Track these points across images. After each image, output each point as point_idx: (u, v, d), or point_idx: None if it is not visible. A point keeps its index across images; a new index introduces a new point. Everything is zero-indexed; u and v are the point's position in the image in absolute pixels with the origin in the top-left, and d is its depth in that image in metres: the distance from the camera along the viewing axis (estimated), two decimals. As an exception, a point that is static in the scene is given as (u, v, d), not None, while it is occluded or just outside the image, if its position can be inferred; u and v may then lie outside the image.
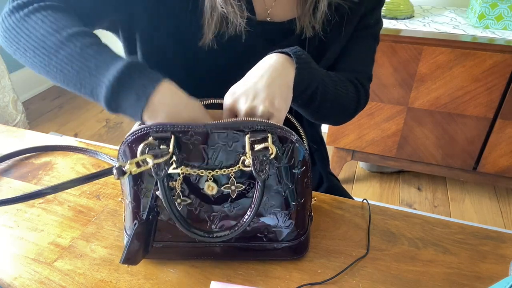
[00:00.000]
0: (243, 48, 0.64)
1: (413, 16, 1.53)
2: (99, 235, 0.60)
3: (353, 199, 0.72)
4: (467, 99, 1.45)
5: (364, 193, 1.79)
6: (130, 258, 0.49)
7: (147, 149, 0.45)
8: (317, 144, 0.83)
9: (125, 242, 0.58)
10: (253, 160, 0.46)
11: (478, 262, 0.56)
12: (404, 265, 0.56)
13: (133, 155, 0.48)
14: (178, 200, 0.50)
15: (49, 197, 0.68)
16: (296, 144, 0.48)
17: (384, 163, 1.74)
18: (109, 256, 0.57)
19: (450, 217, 1.66)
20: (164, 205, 0.47)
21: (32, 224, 0.62)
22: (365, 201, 0.66)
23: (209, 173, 0.49)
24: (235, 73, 0.59)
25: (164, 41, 0.64)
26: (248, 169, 0.48)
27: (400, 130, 1.59)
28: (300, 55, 0.54)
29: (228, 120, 0.47)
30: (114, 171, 0.45)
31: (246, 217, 0.49)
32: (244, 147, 0.47)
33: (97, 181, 0.71)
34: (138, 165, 0.46)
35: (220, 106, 0.54)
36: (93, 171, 0.75)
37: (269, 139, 0.46)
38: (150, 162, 0.45)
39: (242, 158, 0.48)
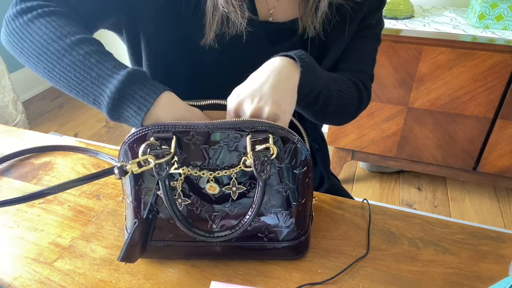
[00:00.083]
0: (245, 48, 0.64)
1: (413, 16, 1.54)
2: (99, 235, 0.60)
3: (353, 199, 0.72)
4: (467, 99, 1.45)
5: (364, 193, 1.79)
6: (127, 256, 0.49)
7: (148, 149, 0.45)
8: (319, 144, 0.83)
9: (125, 239, 0.58)
10: (254, 160, 0.46)
11: (478, 262, 0.56)
12: (404, 265, 0.56)
13: (134, 155, 0.48)
14: (179, 200, 0.51)
15: (49, 197, 0.68)
16: (298, 145, 0.48)
17: (384, 163, 1.74)
18: (109, 256, 0.57)
19: (450, 217, 1.67)
20: (166, 205, 0.47)
21: (32, 224, 0.62)
22: (365, 201, 0.66)
23: (211, 174, 0.49)
24: (236, 73, 0.59)
25: (167, 41, 0.64)
26: (249, 169, 0.48)
27: (400, 130, 1.59)
28: (304, 58, 0.54)
29: (229, 120, 0.47)
30: (116, 171, 0.45)
31: (247, 217, 0.49)
32: (245, 147, 0.47)
33: (97, 181, 0.71)
34: (139, 165, 0.46)
35: (221, 107, 0.54)
36: (93, 171, 0.75)
37: (270, 140, 0.46)
38: (152, 162, 0.45)
39: (243, 158, 0.48)
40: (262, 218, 0.53)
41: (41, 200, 0.67)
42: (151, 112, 0.47)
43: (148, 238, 0.52)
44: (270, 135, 0.46)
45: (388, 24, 1.45)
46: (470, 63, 1.38)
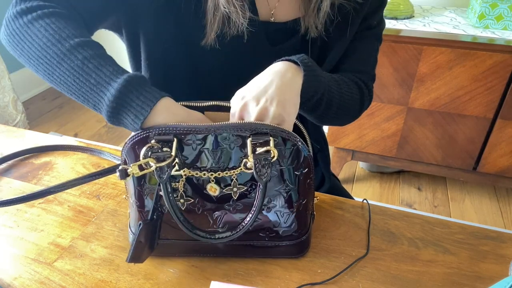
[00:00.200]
0: (245, 48, 0.64)
1: (413, 16, 1.54)
2: (99, 235, 0.60)
3: (353, 199, 0.72)
4: (467, 99, 1.45)
5: (364, 193, 1.79)
6: (135, 256, 0.49)
7: (149, 152, 0.46)
8: (320, 145, 0.83)
9: (130, 239, 0.58)
10: (255, 163, 0.46)
11: (478, 262, 0.56)
12: (404, 265, 0.56)
13: (136, 156, 0.48)
14: (181, 201, 0.51)
15: (49, 197, 0.68)
16: (299, 146, 0.48)
17: (384, 163, 1.74)
18: (109, 256, 0.57)
19: (450, 217, 1.67)
20: (167, 207, 0.48)
21: (32, 224, 0.62)
22: (365, 201, 0.66)
23: (211, 175, 0.49)
24: (237, 73, 0.59)
25: (167, 41, 0.64)
26: (250, 171, 0.48)
27: (400, 130, 1.59)
28: (307, 63, 0.54)
29: (230, 122, 0.48)
30: (118, 173, 0.45)
31: (248, 219, 0.50)
32: (246, 150, 0.48)
33: (97, 181, 0.71)
34: (141, 167, 0.46)
35: (223, 108, 0.54)
36: (93, 171, 0.75)
37: (271, 143, 0.46)
38: (153, 165, 0.45)
39: (244, 160, 0.48)
40: (264, 218, 0.53)
41: (41, 200, 0.67)
42: (148, 119, 0.48)
43: (156, 238, 0.53)
44: (271, 138, 0.46)
45: (388, 24, 1.45)
46: (470, 63, 1.38)
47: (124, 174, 0.46)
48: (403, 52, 1.43)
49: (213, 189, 0.50)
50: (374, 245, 0.58)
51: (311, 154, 0.51)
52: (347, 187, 1.82)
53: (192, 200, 0.51)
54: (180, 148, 0.48)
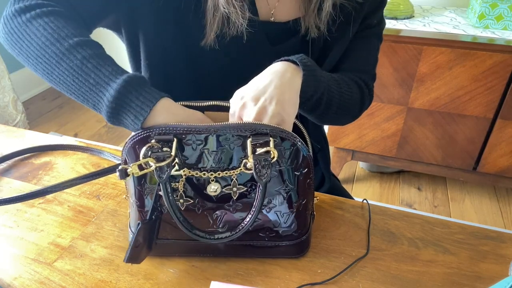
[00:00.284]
0: (245, 48, 0.64)
1: (413, 16, 1.54)
2: (99, 235, 0.60)
3: (353, 199, 0.72)
4: (467, 99, 1.45)
5: (364, 193, 1.79)
6: (133, 257, 0.49)
7: (149, 152, 0.46)
8: (321, 145, 0.83)
9: (129, 238, 0.58)
10: (254, 164, 0.46)
11: (478, 262, 0.56)
12: (404, 265, 0.56)
13: (137, 156, 0.48)
14: (181, 201, 0.51)
15: (49, 197, 0.68)
16: (299, 146, 0.48)
17: (384, 163, 1.74)
18: (109, 256, 0.57)
19: (450, 217, 1.67)
20: (167, 207, 0.48)
21: (32, 224, 0.62)
22: (365, 201, 0.66)
23: (211, 175, 0.49)
24: (237, 73, 0.59)
25: (167, 41, 0.64)
26: (249, 172, 0.48)
27: (400, 130, 1.59)
28: (306, 63, 0.54)
29: (230, 122, 0.48)
30: (118, 173, 0.45)
31: (248, 219, 0.50)
32: (246, 150, 0.48)
33: (97, 181, 0.71)
34: (140, 167, 0.46)
35: (223, 108, 0.54)
36: (93, 170, 0.75)
37: (271, 143, 0.46)
38: (153, 165, 0.45)
39: (244, 161, 0.48)
40: (264, 218, 0.53)
41: (41, 200, 0.67)
42: (148, 120, 0.48)
43: (154, 238, 0.53)
44: (271, 138, 0.46)
45: (388, 24, 1.45)
46: (470, 63, 1.38)
47: (124, 174, 0.46)
48: (403, 52, 1.43)
49: (213, 189, 0.50)
50: (374, 245, 0.58)
51: (311, 154, 0.51)
52: (347, 187, 1.82)
53: (192, 200, 0.51)
54: (180, 148, 0.48)
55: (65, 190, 0.69)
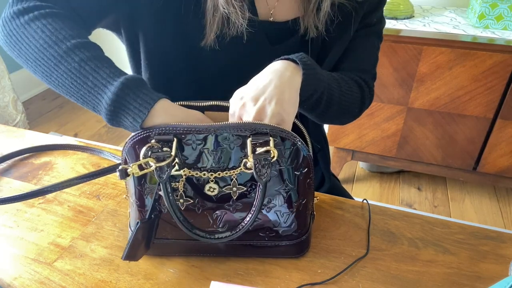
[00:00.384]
0: (245, 48, 0.64)
1: (413, 16, 1.54)
2: (99, 235, 0.60)
3: (353, 199, 0.72)
4: (467, 99, 1.45)
5: (364, 193, 1.79)
6: (131, 254, 0.49)
7: (149, 152, 0.46)
8: (321, 144, 0.83)
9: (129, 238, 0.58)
10: (254, 163, 0.46)
11: (478, 262, 0.56)
12: (404, 265, 0.56)
13: (137, 156, 0.48)
14: (181, 200, 0.51)
15: (49, 197, 0.68)
16: (299, 146, 0.48)
17: (384, 163, 1.74)
18: (109, 256, 0.57)
19: (450, 217, 1.67)
20: (167, 207, 0.48)
21: (32, 224, 0.62)
22: (365, 201, 0.66)
23: (211, 175, 0.49)
24: (237, 73, 0.59)
25: (167, 41, 0.64)
26: (249, 171, 0.48)
27: (400, 130, 1.59)
28: (306, 61, 0.54)
29: (230, 122, 0.47)
30: (118, 173, 0.46)
31: (248, 219, 0.50)
32: (246, 150, 0.48)
33: (97, 181, 0.71)
34: (141, 167, 0.46)
35: (223, 108, 0.54)
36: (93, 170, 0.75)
37: (271, 143, 0.46)
38: (153, 165, 0.45)
39: (244, 160, 0.48)
40: (264, 218, 0.53)
41: (41, 200, 0.67)
42: (147, 121, 0.48)
43: (152, 237, 0.53)
44: (270, 138, 0.46)
45: (388, 24, 1.45)
46: (470, 63, 1.38)
47: (124, 174, 0.46)
48: (403, 52, 1.43)
49: (212, 189, 0.50)
50: (374, 245, 0.58)
51: (311, 154, 0.51)
52: (347, 187, 1.82)
53: (192, 200, 0.51)
54: (180, 148, 0.48)
55: (65, 190, 0.69)
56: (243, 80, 0.53)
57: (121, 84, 0.48)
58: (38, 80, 2.63)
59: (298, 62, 0.53)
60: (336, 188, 0.86)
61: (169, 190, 0.47)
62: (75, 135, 2.23)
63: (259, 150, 0.46)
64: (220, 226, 0.53)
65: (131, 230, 0.57)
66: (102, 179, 0.72)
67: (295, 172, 0.50)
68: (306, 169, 0.50)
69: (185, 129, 0.47)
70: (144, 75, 0.68)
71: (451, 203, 1.74)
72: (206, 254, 0.56)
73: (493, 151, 1.52)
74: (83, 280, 0.53)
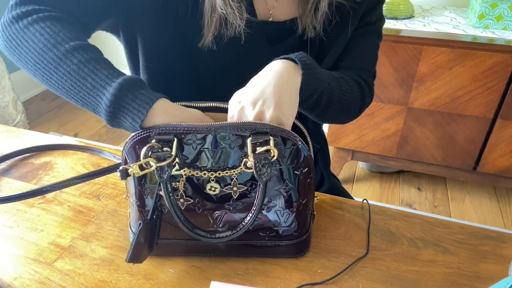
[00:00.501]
0: (243, 49, 0.64)
1: (413, 16, 1.54)
2: (99, 235, 0.60)
3: (353, 199, 0.72)
4: (467, 99, 1.45)
5: (364, 193, 1.79)
6: (135, 257, 0.49)
7: (150, 152, 0.46)
8: (320, 145, 0.83)
9: (130, 238, 0.58)
10: (255, 163, 0.46)
11: (478, 262, 0.56)
12: (404, 265, 0.56)
13: (137, 156, 0.48)
14: (181, 200, 0.51)
15: (49, 197, 0.68)
16: (299, 146, 0.48)
17: (384, 163, 1.74)
18: (109, 256, 0.57)
19: (450, 217, 1.67)
20: (168, 206, 0.48)
21: (32, 224, 0.62)
22: (365, 201, 0.66)
23: (212, 174, 0.49)
24: (236, 74, 0.59)
25: (165, 42, 0.64)
26: (250, 171, 0.48)
27: (400, 130, 1.59)
28: (305, 61, 0.53)
29: (230, 122, 0.47)
30: (119, 174, 0.46)
31: (248, 218, 0.50)
32: (246, 149, 0.48)
33: (97, 181, 0.71)
34: (141, 167, 0.47)
35: (222, 110, 0.54)
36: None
37: (271, 142, 0.46)
38: (153, 165, 0.45)
39: (244, 160, 0.48)
40: (264, 218, 0.53)
41: (41, 200, 0.67)
42: (147, 121, 0.48)
43: (155, 238, 0.53)
44: (271, 137, 0.46)
45: (388, 24, 1.45)
46: (470, 63, 1.38)
47: (125, 174, 0.46)
48: (403, 52, 1.43)
49: (213, 189, 0.50)
50: (374, 245, 0.58)
51: (311, 154, 0.50)
52: (347, 187, 1.82)
53: (192, 200, 0.51)
54: (180, 148, 0.48)
55: (65, 190, 0.69)
56: (243, 80, 0.53)
57: (119, 85, 0.48)
58: (38, 80, 2.63)
59: (297, 61, 0.53)
60: (336, 188, 0.86)
61: (169, 190, 0.47)
62: (75, 135, 2.23)
63: (259, 149, 0.46)
64: (220, 226, 0.53)
65: (131, 230, 0.57)
66: (102, 179, 0.72)
67: (296, 172, 0.50)
68: (307, 169, 0.50)
69: (185, 129, 0.47)
70: (143, 77, 0.68)
71: (451, 203, 1.74)
72: (207, 254, 0.56)
73: (493, 151, 1.52)
74: (83, 280, 0.53)
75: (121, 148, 0.54)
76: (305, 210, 0.54)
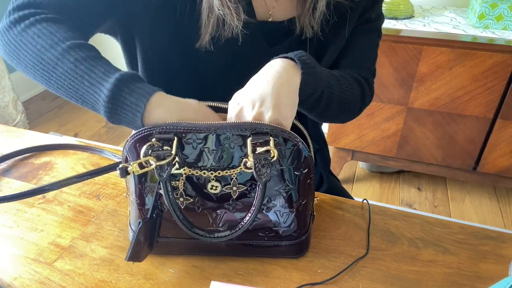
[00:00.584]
0: (241, 49, 0.64)
1: (413, 16, 1.54)
2: (99, 235, 0.60)
3: (353, 199, 0.72)
4: (467, 99, 1.45)
5: (364, 193, 1.79)
6: (135, 255, 0.49)
7: (150, 150, 0.46)
8: (319, 145, 0.83)
9: (130, 237, 0.58)
10: (254, 163, 0.46)
11: (478, 262, 0.56)
12: (404, 265, 0.56)
13: (138, 154, 0.48)
14: (181, 199, 0.51)
15: (49, 197, 0.68)
16: (300, 146, 0.48)
17: (384, 163, 1.74)
18: (109, 256, 0.57)
19: (450, 217, 1.67)
20: (167, 205, 0.48)
21: (32, 224, 0.62)
22: (365, 201, 0.66)
23: (211, 174, 0.49)
24: (235, 74, 0.59)
25: (165, 41, 0.64)
26: (249, 171, 0.48)
27: (400, 130, 1.59)
28: (305, 60, 0.53)
29: (231, 121, 0.47)
30: (118, 171, 0.46)
31: (247, 218, 0.50)
32: (246, 149, 0.48)
33: (97, 181, 0.71)
34: (141, 166, 0.47)
35: (222, 110, 0.54)
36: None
37: (271, 142, 0.46)
38: (153, 163, 0.45)
39: (244, 160, 0.48)
40: (263, 218, 0.53)
41: (41, 200, 0.67)
42: (146, 116, 0.48)
43: (155, 236, 0.53)
44: (271, 138, 0.46)
45: (388, 24, 1.45)
46: (470, 63, 1.38)
47: (125, 172, 0.46)
48: (403, 52, 1.43)
49: (213, 188, 0.50)
50: (374, 245, 0.58)
51: (312, 154, 0.50)
52: (347, 187, 1.82)
53: (192, 199, 0.51)
54: (180, 147, 0.48)
55: (65, 190, 0.69)
56: (243, 80, 0.53)
57: (115, 80, 0.48)
58: (38, 80, 2.63)
59: (296, 60, 0.52)
60: (336, 188, 0.86)
61: (169, 188, 0.47)
62: (75, 135, 2.23)
63: (259, 149, 0.46)
64: (220, 225, 0.53)
65: (131, 228, 0.57)
66: (102, 179, 0.72)
67: (296, 172, 0.50)
68: (307, 169, 0.50)
69: (186, 128, 0.47)
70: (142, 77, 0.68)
71: (451, 203, 1.74)
72: (207, 253, 0.56)
73: (493, 151, 1.52)
74: (83, 280, 0.53)
75: (121, 148, 0.54)
76: (305, 211, 0.54)
